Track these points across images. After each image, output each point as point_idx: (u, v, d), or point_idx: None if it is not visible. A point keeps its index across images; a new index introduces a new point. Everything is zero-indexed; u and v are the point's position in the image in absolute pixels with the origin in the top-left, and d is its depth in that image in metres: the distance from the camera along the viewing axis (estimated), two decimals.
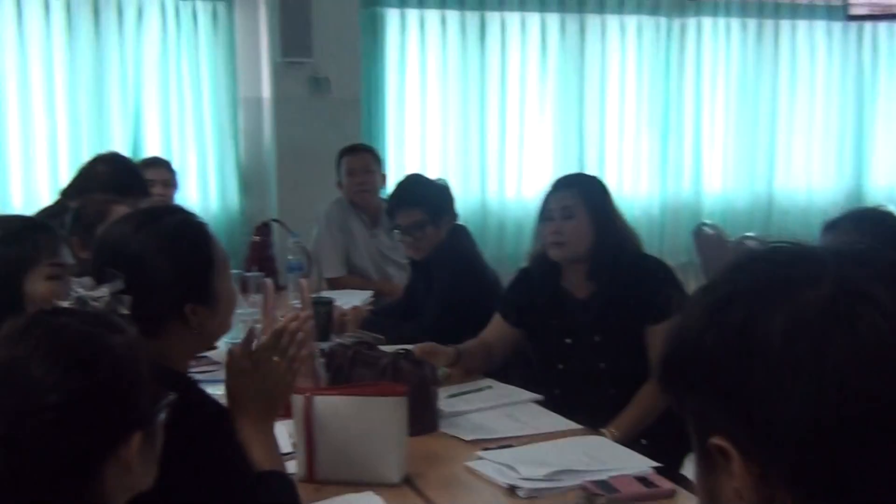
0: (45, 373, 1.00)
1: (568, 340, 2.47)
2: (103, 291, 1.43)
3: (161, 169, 3.91)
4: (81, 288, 1.46)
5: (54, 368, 1.00)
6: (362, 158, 4.05)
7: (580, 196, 2.45)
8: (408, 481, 1.84)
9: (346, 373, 2.24)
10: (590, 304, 2.45)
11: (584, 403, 2.36)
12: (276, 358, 1.60)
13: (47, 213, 3.17)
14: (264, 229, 4.15)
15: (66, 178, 4.24)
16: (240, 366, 1.61)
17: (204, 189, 4.83)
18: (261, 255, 3.99)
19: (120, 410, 1.04)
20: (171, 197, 3.90)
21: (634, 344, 2.36)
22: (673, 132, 5.70)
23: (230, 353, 1.64)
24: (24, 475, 0.96)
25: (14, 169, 4.50)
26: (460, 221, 3.23)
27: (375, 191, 4.08)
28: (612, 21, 5.52)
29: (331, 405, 1.85)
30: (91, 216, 2.64)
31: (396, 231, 3.11)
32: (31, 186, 4.52)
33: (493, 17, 5.27)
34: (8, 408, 0.98)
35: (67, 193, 3.29)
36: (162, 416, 1.10)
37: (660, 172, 5.71)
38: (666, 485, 1.79)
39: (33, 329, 1.04)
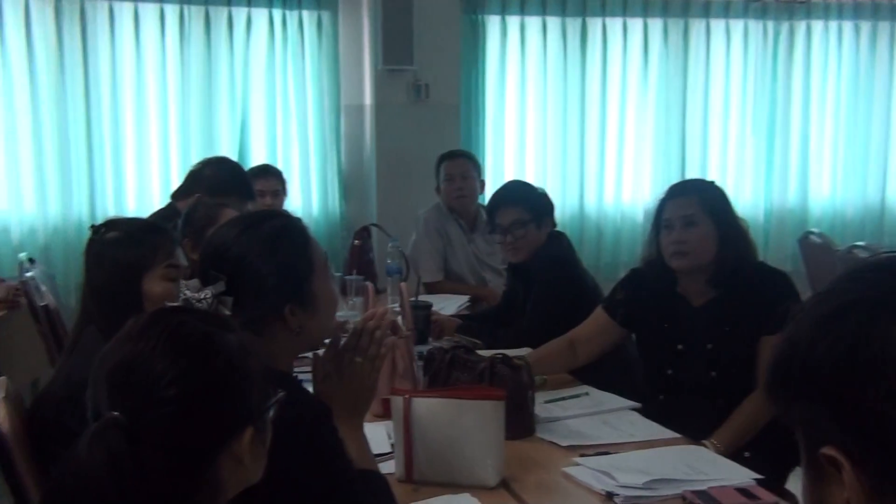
0: (166, 368, 1.05)
1: (679, 347, 2.43)
2: (206, 293, 1.49)
3: (271, 179, 3.99)
4: (188, 290, 1.52)
5: (174, 364, 1.05)
6: (461, 164, 4.08)
7: (701, 203, 2.39)
8: (504, 485, 1.84)
9: (443, 376, 2.26)
10: (706, 311, 2.40)
11: (690, 411, 2.32)
12: (358, 359, 1.63)
13: (159, 216, 3.31)
14: (364, 233, 4.22)
15: (176, 182, 4.42)
16: (325, 370, 1.64)
17: (306, 194, 4.95)
18: (360, 259, 4.06)
19: (233, 406, 1.08)
20: (279, 206, 3.98)
21: (748, 355, 2.30)
22: (779, 138, 5.56)
23: (315, 357, 1.67)
24: (145, 464, 1.01)
25: (129, 174, 4.71)
26: (558, 228, 3.21)
27: (473, 196, 4.10)
28: (718, 25, 5.43)
29: (429, 407, 1.87)
30: (201, 219, 2.75)
31: (495, 234, 3.11)
32: (145, 191, 4.72)
33: (595, 23, 5.24)
34: (131, 400, 1.04)
35: (177, 197, 3.43)
36: (271, 412, 1.14)
37: (765, 179, 5.58)
38: (769, 497, 1.74)
39: (154, 326, 1.09)
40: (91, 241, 1.98)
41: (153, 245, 1.95)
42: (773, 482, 1.90)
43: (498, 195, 3.15)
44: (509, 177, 4.89)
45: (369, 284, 2.83)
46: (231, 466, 1.08)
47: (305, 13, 4.88)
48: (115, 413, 1.02)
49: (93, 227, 2.01)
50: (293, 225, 1.63)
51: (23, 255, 3.71)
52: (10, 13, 4.45)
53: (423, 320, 2.91)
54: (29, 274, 3.28)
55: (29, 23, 4.46)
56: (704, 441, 2.16)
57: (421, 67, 4.85)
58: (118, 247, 1.93)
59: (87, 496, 0.99)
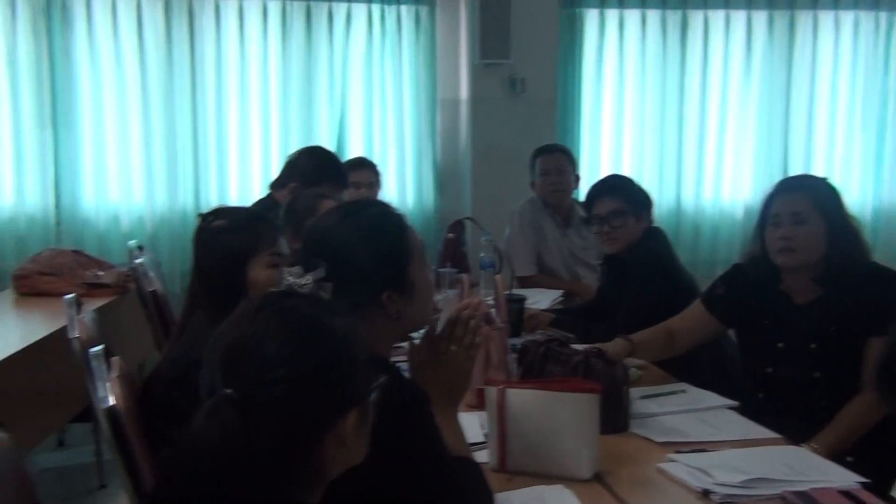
0: (276, 349, 1.08)
1: (780, 345, 2.37)
2: (308, 279, 1.54)
3: (366, 171, 4.06)
4: (291, 276, 1.57)
5: (284, 346, 1.09)
6: (556, 158, 4.07)
7: (811, 200, 2.31)
8: (598, 478, 1.84)
9: (537, 369, 2.27)
10: (810, 310, 2.34)
11: (790, 411, 2.27)
12: (452, 347, 1.65)
13: (259, 206, 3.41)
14: (458, 227, 4.24)
15: (275, 172, 4.54)
16: (421, 358, 1.67)
17: (402, 186, 5.01)
18: (454, 252, 4.08)
19: (339, 387, 1.11)
20: (374, 197, 4.05)
21: (854, 355, 2.23)
22: (890, 133, 5.35)
23: (411, 346, 1.70)
24: (256, 441, 1.05)
25: (232, 167, 4.86)
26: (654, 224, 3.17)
27: (568, 191, 4.09)
28: (826, 17, 5.26)
29: (524, 398, 1.88)
30: (302, 210, 2.82)
31: (592, 225, 3.09)
32: (246, 182, 4.86)
33: (696, 16, 5.15)
34: (243, 379, 1.08)
35: (275, 187, 3.52)
36: (374, 395, 1.17)
37: (874, 176, 5.38)
38: (873, 501, 1.69)
39: (265, 310, 1.13)
40: (200, 229, 2.06)
41: (258, 233, 2.02)
42: (878, 487, 1.84)
43: (597, 186, 3.14)
44: (605, 172, 4.85)
45: (465, 276, 2.85)
46: (335, 447, 1.11)
47: (403, 8, 4.94)
48: (229, 391, 1.06)
49: (201, 215, 2.09)
50: (391, 213, 1.66)
51: (132, 243, 3.86)
52: (123, 12, 4.65)
53: (517, 313, 2.91)
54: (138, 261, 3.42)
55: (140, 20, 4.66)
56: (804, 444, 2.11)
57: (517, 61, 4.84)
58: (225, 234, 2.01)
59: (202, 468, 1.04)
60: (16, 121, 4.62)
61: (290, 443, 1.08)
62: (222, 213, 2.08)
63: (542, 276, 3.98)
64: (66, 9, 4.60)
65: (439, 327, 1.72)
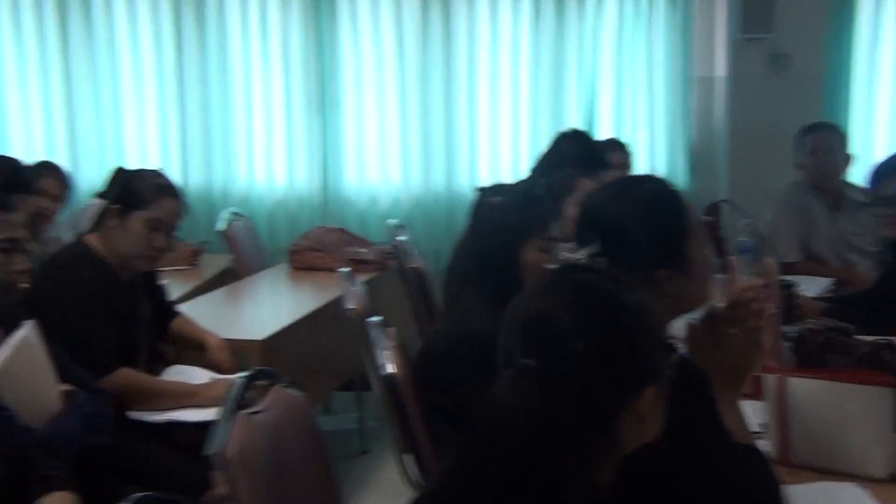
0: (573, 322, 1.09)
1: None
2: (582, 254, 1.52)
3: (618, 152, 4.01)
4: (565, 251, 1.57)
5: (581, 319, 1.09)
6: (825, 137, 3.83)
7: None
8: (895, 479, 1.69)
9: (816, 358, 2.13)
10: None
11: None
12: (733, 330, 1.56)
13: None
14: (714, 209, 4.09)
15: (525, 154, 4.59)
16: (699, 340, 1.60)
17: (653, 168, 4.87)
18: (711, 236, 3.93)
19: (637, 362, 1.10)
20: None
21: None
22: None
23: (690, 327, 1.63)
24: (555, 412, 1.05)
25: (482, 149, 4.95)
26: None
27: (836, 172, 3.83)
28: None
29: (806, 388, 1.77)
30: (559, 190, 2.82)
31: (876, 207, 2.85)
32: (496, 164, 4.93)
33: None
34: (541, 351, 1.09)
35: (538, 170, 3.54)
36: (669, 373, 1.14)
37: None
38: None
39: (562, 284, 1.14)
40: (478, 204, 2.09)
41: (533, 214, 2.03)
42: None
43: (885, 164, 2.89)
44: (880, 153, 4.47)
45: (734, 258, 2.74)
46: (632, 422, 1.10)
47: None
48: (529, 362, 1.07)
49: (480, 189, 2.13)
50: (667, 188, 1.61)
51: (392, 221, 4.03)
52: (384, 3, 4.86)
53: (786, 299, 2.75)
54: (400, 238, 3.56)
55: (399, 10, 4.85)
56: None
57: (781, 36, 4.56)
58: (502, 211, 2.03)
59: (502, 437, 1.06)
60: (288, 108, 4.98)
61: (588, 415, 1.07)
62: (500, 189, 2.10)
63: (809, 263, 3.74)
64: (332, 2, 4.89)
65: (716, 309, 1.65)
